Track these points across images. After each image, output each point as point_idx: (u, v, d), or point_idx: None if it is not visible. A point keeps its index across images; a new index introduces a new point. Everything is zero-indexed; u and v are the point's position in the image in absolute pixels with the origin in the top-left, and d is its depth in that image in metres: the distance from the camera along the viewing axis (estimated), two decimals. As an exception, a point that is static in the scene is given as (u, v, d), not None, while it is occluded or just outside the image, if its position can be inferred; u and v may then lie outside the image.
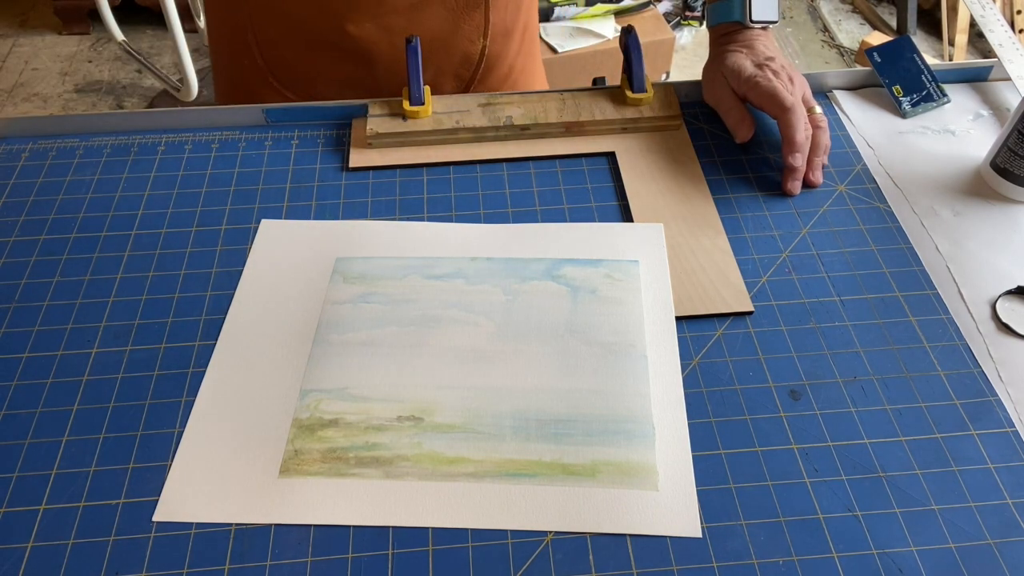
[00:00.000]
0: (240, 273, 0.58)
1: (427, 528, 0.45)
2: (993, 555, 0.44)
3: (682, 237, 0.60)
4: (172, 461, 0.48)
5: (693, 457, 0.48)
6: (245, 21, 0.75)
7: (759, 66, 0.65)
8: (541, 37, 1.86)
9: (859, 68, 0.73)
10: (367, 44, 0.72)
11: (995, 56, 0.71)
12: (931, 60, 0.80)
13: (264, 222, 0.62)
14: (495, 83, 0.81)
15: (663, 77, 2.09)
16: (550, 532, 0.45)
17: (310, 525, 0.45)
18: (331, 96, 0.73)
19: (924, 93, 0.70)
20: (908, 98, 0.70)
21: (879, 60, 0.72)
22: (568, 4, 1.92)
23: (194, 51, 1.81)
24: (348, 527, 0.45)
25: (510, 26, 0.78)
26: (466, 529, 0.45)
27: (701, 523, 0.45)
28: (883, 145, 0.67)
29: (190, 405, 0.51)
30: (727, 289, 0.56)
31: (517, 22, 0.79)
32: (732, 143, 0.68)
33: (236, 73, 0.80)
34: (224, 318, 0.55)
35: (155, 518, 0.46)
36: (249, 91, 0.79)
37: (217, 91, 0.85)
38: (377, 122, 0.67)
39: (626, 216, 0.62)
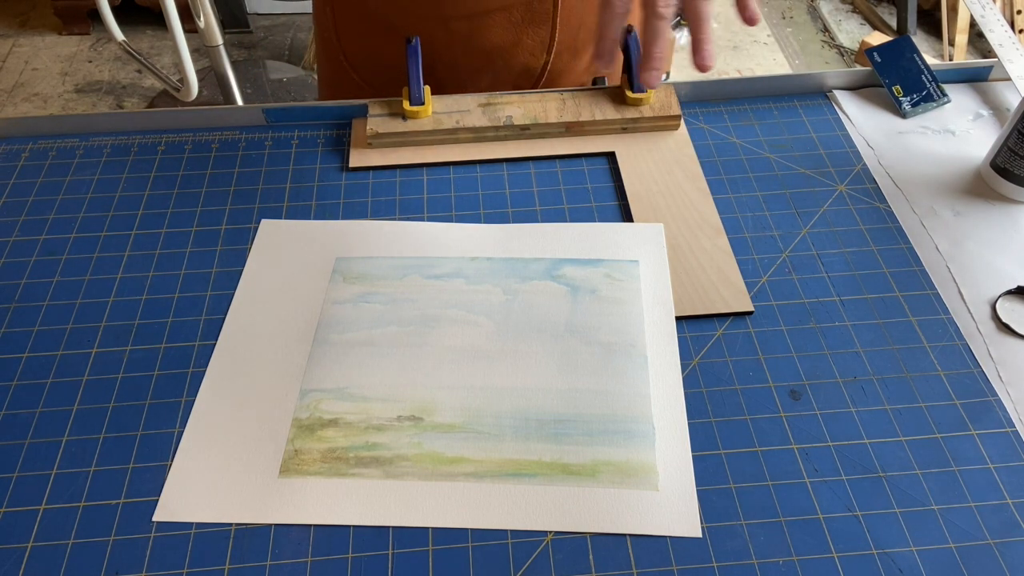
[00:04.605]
0: (240, 273, 0.58)
1: (427, 528, 0.45)
2: (993, 555, 0.44)
3: (682, 237, 0.60)
4: (172, 461, 0.48)
5: (693, 457, 0.48)
6: (329, 16, 0.77)
7: None
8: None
9: (859, 68, 0.73)
10: (429, 43, 0.72)
11: (995, 56, 0.71)
12: (931, 60, 0.80)
13: (264, 222, 0.62)
14: None
15: (663, 77, 2.09)
16: (550, 532, 0.45)
17: (310, 525, 0.45)
18: (399, 85, 0.72)
19: (924, 93, 0.70)
20: (908, 98, 0.70)
21: (879, 60, 0.72)
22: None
23: (194, 51, 1.81)
24: (348, 527, 0.45)
25: (580, 46, 0.77)
26: (466, 529, 0.45)
27: (701, 523, 0.45)
28: (883, 145, 0.67)
29: (190, 405, 0.51)
30: (727, 289, 0.56)
31: (589, 42, 0.76)
32: (732, 143, 0.68)
33: (327, 70, 0.82)
34: (224, 318, 0.55)
35: (155, 518, 0.46)
36: (335, 85, 0.81)
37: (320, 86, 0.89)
38: (377, 122, 0.67)
39: (626, 216, 0.62)
